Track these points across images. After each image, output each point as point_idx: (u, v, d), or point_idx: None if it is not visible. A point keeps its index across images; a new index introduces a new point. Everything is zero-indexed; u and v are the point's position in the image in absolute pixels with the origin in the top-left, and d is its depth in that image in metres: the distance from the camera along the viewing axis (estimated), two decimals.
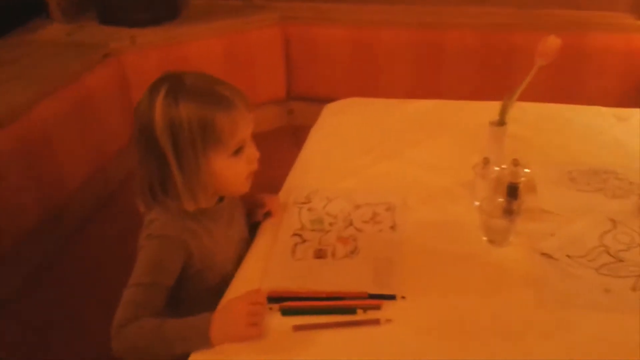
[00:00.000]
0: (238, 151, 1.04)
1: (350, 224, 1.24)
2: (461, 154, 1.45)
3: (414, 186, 1.37)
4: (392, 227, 1.23)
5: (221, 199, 1.12)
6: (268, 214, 1.26)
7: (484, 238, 1.19)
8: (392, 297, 1.04)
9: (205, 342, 0.94)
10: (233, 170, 1.04)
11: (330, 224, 1.24)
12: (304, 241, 1.19)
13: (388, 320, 0.99)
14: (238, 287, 1.08)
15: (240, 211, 1.21)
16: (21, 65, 1.92)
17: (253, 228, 1.26)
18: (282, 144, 1.68)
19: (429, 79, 2.26)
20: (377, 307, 1.02)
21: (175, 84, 1.00)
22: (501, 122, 1.37)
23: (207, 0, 2.42)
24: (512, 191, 1.23)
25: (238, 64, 2.27)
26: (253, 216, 1.27)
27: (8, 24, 2.31)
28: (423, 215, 1.27)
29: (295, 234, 1.21)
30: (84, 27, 2.28)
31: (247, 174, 1.07)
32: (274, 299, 1.04)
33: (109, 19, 2.28)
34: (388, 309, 1.02)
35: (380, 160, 1.47)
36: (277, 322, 1.00)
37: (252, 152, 1.06)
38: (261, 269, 1.12)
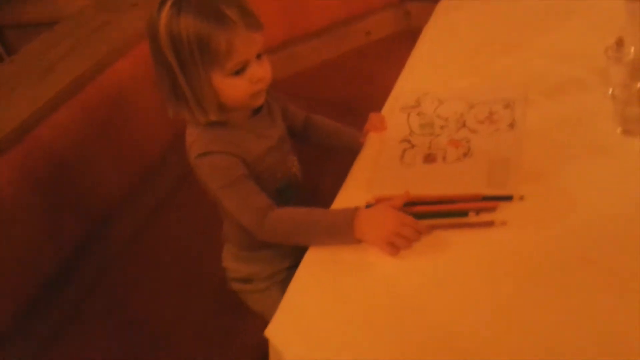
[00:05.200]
0: (240, 71, 0.98)
1: (464, 125, 1.15)
2: (594, 39, 1.27)
3: (538, 79, 1.23)
4: (511, 125, 1.12)
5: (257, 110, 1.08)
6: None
7: (618, 129, 1.05)
8: (508, 198, 0.96)
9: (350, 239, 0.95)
10: (234, 89, 0.99)
11: (442, 127, 1.16)
12: (413, 146, 1.13)
13: (503, 223, 0.92)
14: (342, 200, 1.05)
15: (277, 109, 1.14)
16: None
17: None
18: (400, 50, 1.57)
19: None
20: (492, 209, 0.95)
21: None
22: None
23: None
24: None
25: None
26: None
27: None
28: (547, 110, 1.14)
29: (403, 140, 1.15)
30: None
31: (252, 92, 1.01)
32: None
33: None
34: (503, 211, 0.94)
35: (500, 55, 1.34)
36: None
37: (255, 72, 0.99)
38: (367, 179, 1.08)
